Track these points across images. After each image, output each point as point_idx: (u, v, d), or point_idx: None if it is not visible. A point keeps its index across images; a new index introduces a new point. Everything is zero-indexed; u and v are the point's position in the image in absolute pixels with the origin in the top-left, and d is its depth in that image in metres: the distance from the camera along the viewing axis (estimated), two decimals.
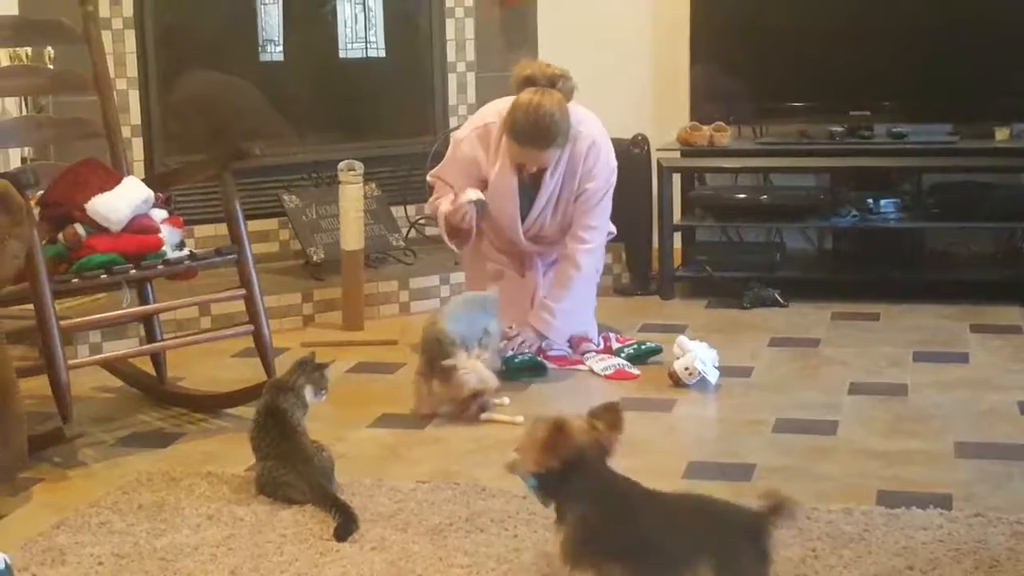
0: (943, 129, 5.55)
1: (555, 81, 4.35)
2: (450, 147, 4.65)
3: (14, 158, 4.86)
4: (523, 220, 4.55)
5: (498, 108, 4.50)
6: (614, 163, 4.57)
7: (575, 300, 4.54)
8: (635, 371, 4.41)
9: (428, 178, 4.70)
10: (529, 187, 4.51)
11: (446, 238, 4.61)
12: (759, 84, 5.70)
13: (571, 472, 2.66)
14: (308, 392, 3.52)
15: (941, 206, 5.43)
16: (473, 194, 4.46)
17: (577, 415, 2.73)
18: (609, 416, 2.74)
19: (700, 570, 2.53)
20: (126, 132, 4.89)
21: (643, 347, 4.52)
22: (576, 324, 4.57)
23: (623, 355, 4.49)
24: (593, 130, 4.50)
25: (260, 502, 3.36)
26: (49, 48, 4.80)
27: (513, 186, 4.49)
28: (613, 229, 4.69)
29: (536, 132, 4.32)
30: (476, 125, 4.56)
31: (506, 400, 4.06)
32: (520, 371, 4.37)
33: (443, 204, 4.55)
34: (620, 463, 3.57)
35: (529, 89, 4.34)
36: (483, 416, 3.98)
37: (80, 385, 4.10)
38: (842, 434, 3.83)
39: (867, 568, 2.92)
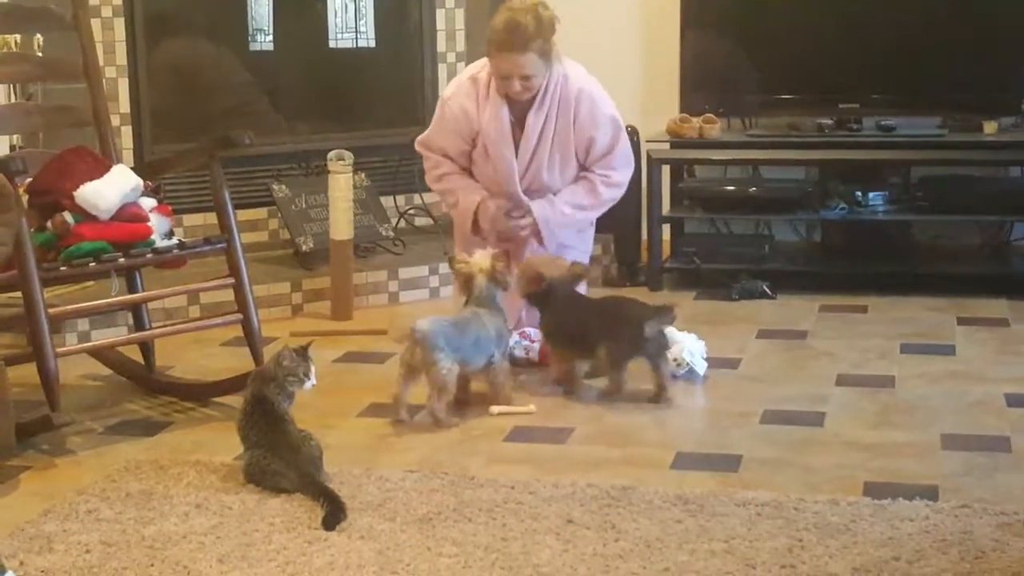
0: (932, 122, 5.56)
1: (533, 7, 4.37)
2: (437, 108, 4.58)
3: (2, 145, 4.85)
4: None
5: (479, 65, 4.49)
6: (613, 111, 4.50)
7: (579, 212, 4.52)
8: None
9: (416, 146, 4.64)
10: (519, 141, 4.49)
11: (469, 230, 4.55)
12: (748, 77, 5.71)
13: (545, 294, 4.17)
14: (293, 381, 3.50)
15: (929, 199, 5.44)
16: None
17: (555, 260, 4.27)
18: (578, 268, 4.28)
19: (600, 347, 4.06)
20: (115, 120, 4.88)
21: None
22: (566, 235, 4.54)
23: None
24: (581, 78, 4.47)
25: (248, 491, 3.36)
26: (38, 35, 4.79)
27: (506, 128, 4.44)
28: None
29: (510, 34, 4.31)
30: (460, 81, 4.54)
31: (532, 408, 4.01)
32: None
33: (469, 194, 4.50)
34: (608, 454, 3.61)
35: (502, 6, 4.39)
36: (496, 410, 3.98)
37: (68, 373, 4.10)
38: (829, 426, 3.84)
39: (853, 559, 2.93)
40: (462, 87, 4.50)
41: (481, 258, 4.08)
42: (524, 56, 4.34)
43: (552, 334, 4.22)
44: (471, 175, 4.55)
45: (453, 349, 3.87)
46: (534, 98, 4.42)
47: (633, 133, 5.57)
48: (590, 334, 4.09)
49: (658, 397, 4.06)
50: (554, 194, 4.51)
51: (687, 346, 4.29)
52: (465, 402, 4.02)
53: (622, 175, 4.57)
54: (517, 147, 4.46)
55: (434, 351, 3.82)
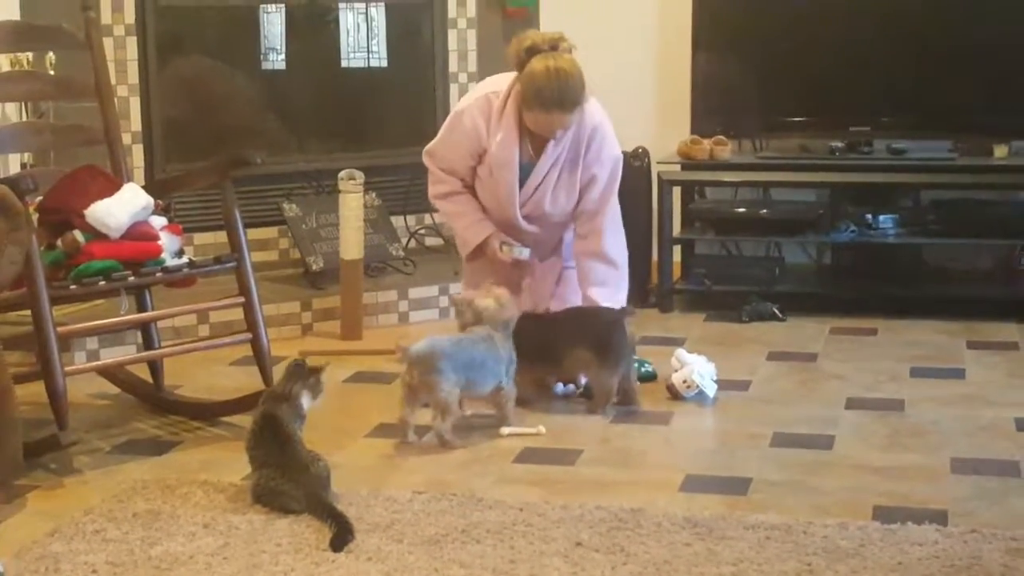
0: (942, 146, 5.55)
1: (556, 44, 4.34)
2: (448, 119, 4.54)
3: (14, 164, 4.86)
4: (521, 190, 4.45)
5: (496, 81, 4.45)
6: (619, 151, 4.50)
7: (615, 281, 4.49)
8: None
9: (423, 156, 4.59)
10: (526, 164, 4.47)
11: (466, 258, 4.56)
12: (760, 99, 5.71)
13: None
14: (305, 400, 3.51)
15: (940, 222, 5.43)
16: (525, 254, 4.45)
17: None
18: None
19: (583, 355, 4.13)
20: (126, 139, 4.89)
21: (641, 369, 4.47)
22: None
23: None
24: (596, 113, 4.46)
25: (256, 511, 3.35)
26: (50, 54, 4.80)
27: (514, 157, 4.41)
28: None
29: (563, 95, 4.27)
30: (476, 96, 4.48)
31: (542, 429, 4.00)
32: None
33: (472, 229, 4.48)
34: (617, 476, 3.60)
35: (539, 56, 4.30)
36: (506, 431, 3.97)
37: (77, 392, 4.10)
38: (839, 449, 3.83)
39: None
40: (477, 103, 4.46)
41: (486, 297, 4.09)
42: (572, 114, 4.32)
43: (522, 358, 4.08)
44: (474, 192, 4.54)
45: (456, 369, 3.86)
46: None
47: (644, 154, 5.59)
48: (563, 346, 4.16)
49: (629, 401, 4.15)
50: (539, 236, 4.51)
51: (697, 368, 4.28)
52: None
53: (614, 223, 4.49)
54: (525, 173, 4.45)
55: (433, 373, 3.82)
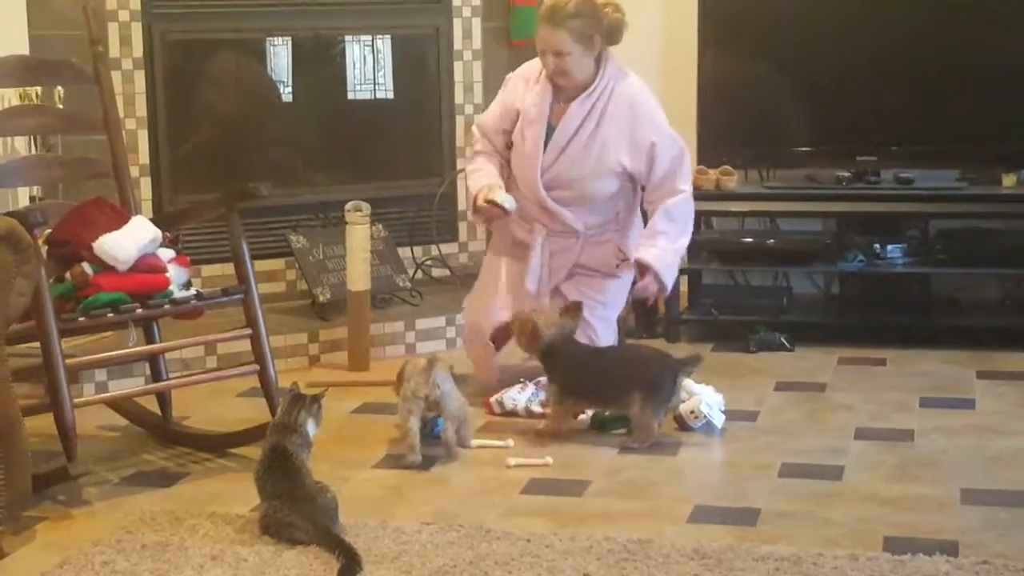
0: (950, 175, 5.55)
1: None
2: (502, 87, 4.71)
3: (23, 197, 4.87)
4: (546, 152, 4.53)
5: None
6: (678, 138, 4.55)
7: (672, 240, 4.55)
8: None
9: (473, 128, 4.73)
10: (555, 127, 4.53)
11: (470, 213, 4.65)
12: (766, 128, 5.71)
13: (548, 353, 4.20)
14: (311, 427, 3.52)
15: (948, 252, 5.42)
16: (509, 202, 4.47)
17: (543, 312, 4.28)
18: (572, 310, 4.25)
19: (634, 395, 4.07)
20: (134, 172, 4.89)
21: None
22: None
23: None
24: (637, 89, 4.53)
25: (264, 543, 3.35)
26: (59, 88, 4.83)
27: (543, 113, 4.51)
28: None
29: (553, 11, 4.41)
30: (530, 62, 4.65)
31: (549, 460, 4.00)
32: (613, 422, 4.30)
33: (476, 181, 4.55)
34: (625, 506, 3.59)
35: None
36: (513, 462, 3.97)
37: (85, 424, 4.10)
38: (848, 479, 3.82)
39: None
40: (526, 66, 4.65)
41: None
42: (557, 32, 4.40)
43: (567, 389, 4.20)
44: (506, 162, 4.62)
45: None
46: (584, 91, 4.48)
47: None
48: (617, 384, 4.13)
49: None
50: (559, 208, 4.54)
51: (705, 398, 4.27)
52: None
53: (686, 185, 4.57)
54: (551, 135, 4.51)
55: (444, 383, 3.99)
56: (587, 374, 4.19)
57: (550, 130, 4.52)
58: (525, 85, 4.59)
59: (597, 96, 4.48)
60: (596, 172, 4.51)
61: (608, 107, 4.48)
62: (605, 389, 4.17)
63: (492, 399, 4.49)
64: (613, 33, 4.49)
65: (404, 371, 4.12)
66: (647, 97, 4.56)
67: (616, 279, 4.67)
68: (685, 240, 4.60)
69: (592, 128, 4.47)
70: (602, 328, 4.59)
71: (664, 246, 4.49)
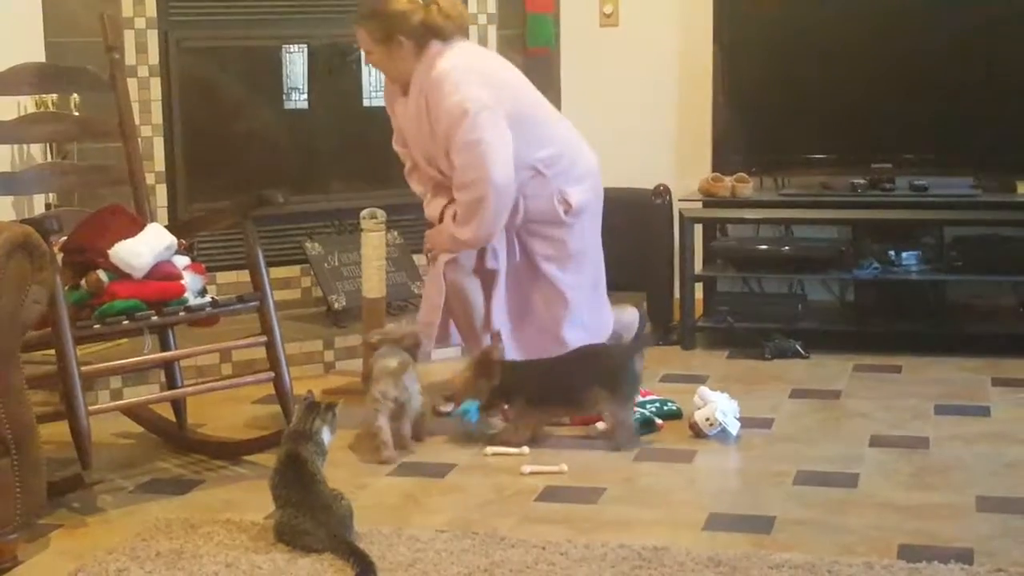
0: (965, 182, 5.54)
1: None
2: None
3: (38, 204, 4.89)
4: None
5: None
6: (460, 97, 4.29)
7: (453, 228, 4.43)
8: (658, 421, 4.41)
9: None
10: None
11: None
12: (781, 136, 5.71)
13: (503, 379, 4.19)
14: (326, 435, 3.52)
15: (963, 259, 5.41)
16: None
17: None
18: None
19: (597, 391, 4.12)
20: (150, 179, 4.91)
21: (665, 408, 4.46)
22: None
23: (646, 410, 4.43)
24: (442, 67, 4.37)
25: (279, 550, 3.35)
26: (75, 95, 4.84)
27: (390, 97, 4.63)
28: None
29: (358, 5, 4.53)
30: None
31: (564, 467, 3.99)
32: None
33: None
34: (640, 514, 3.58)
35: None
36: (527, 470, 3.97)
37: (100, 431, 4.11)
38: (863, 487, 3.81)
39: None
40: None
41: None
42: (358, 31, 4.48)
43: (531, 402, 4.21)
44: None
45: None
46: None
47: (666, 192, 5.59)
48: (578, 385, 4.17)
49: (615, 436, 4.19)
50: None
51: (720, 406, 4.27)
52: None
53: (463, 195, 4.35)
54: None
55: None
56: (548, 382, 4.21)
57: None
58: (388, 99, 4.66)
59: (416, 91, 4.42)
60: (433, 156, 4.47)
61: (429, 92, 4.38)
62: (567, 393, 4.19)
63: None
64: (431, 32, 4.39)
65: (373, 371, 4.19)
66: (440, 78, 4.35)
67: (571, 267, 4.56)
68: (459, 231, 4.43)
69: (418, 114, 4.43)
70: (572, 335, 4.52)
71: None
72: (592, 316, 4.60)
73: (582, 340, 4.44)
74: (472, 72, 4.37)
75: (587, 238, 4.58)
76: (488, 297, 4.52)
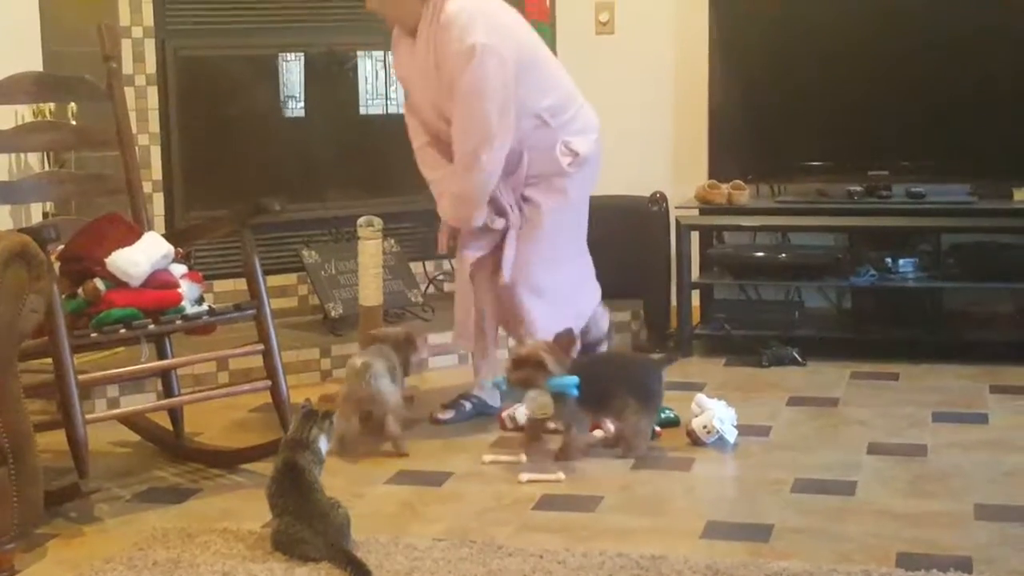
0: (961, 189, 5.55)
1: None
2: None
3: (35, 213, 4.89)
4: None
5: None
6: (469, 41, 4.23)
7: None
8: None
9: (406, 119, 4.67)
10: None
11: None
12: (777, 143, 5.72)
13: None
14: (323, 443, 3.52)
15: (960, 266, 5.42)
16: None
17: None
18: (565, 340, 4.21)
19: (628, 401, 4.11)
20: (147, 187, 4.91)
21: (662, 415, 4.46)
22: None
23: None
24: (459, 3, 4.30)
25: (276, 559, 3.35)
26: (72, 104, 4.84)
27: (404, 64, 4.54)
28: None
29: None
30: None
31: (561, 476, 3.99)
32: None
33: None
34: (638, 522, 3.58)
35: None
36: (525, 478, 3.96)
37: (97, 440, 4.10)
38: (861, 495, 3.81)
39: None
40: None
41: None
42: None
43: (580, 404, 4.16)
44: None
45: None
46: None
47: (662, 199, 5.60)
48: (614, 392, 4.15)
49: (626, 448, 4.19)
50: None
51: (717, 413, 4.27)
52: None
53: (462, 144, 4.33)
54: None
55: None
56: (588, 385, 4.12)
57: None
58: (396, 51, 4.56)
59: (425, 33, 4.35)
60: (439, 107, 4.42)
61: (437, 35, 4.32)
62: (603, 398, 4.16)
63: (504, 414, 4.49)
64: None
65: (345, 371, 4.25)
66: (455, 17, 4.28)
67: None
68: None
69: (432, 59, 4.35)
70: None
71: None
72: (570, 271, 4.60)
73: (552, 287, 4.49)
74: (480, 14, 4.32)
75: (586, 189, 4.60)
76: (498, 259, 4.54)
